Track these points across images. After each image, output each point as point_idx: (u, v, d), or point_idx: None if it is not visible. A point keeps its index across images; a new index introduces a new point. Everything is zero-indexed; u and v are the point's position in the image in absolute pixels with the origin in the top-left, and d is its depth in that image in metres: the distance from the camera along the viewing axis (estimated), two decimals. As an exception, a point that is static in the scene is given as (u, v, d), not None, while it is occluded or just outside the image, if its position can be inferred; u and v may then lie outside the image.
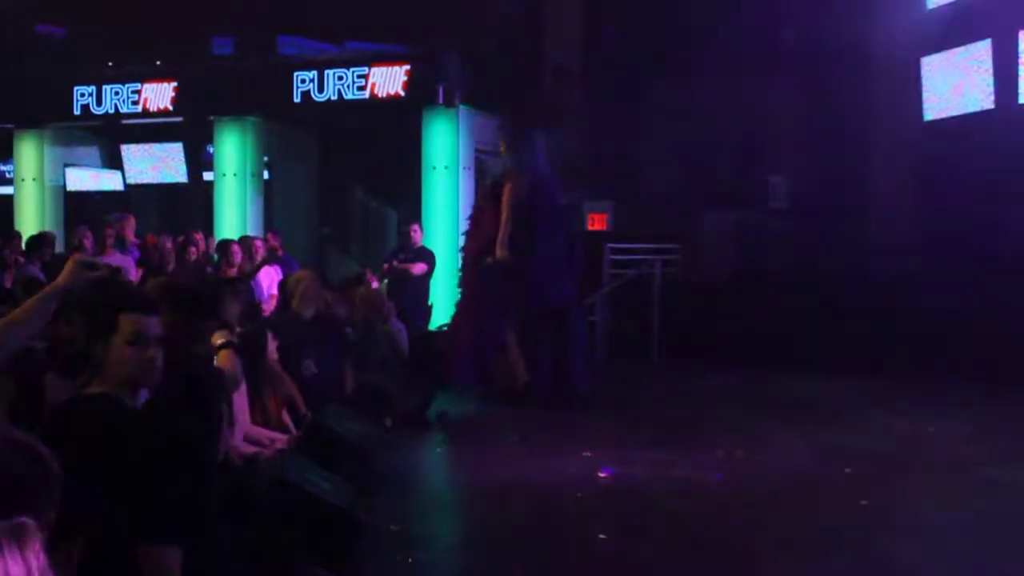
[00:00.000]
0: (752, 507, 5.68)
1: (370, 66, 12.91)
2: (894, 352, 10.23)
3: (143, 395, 3.21)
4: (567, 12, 15.19)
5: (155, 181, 15.88)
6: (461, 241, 10.01)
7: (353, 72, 12.96)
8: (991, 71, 11.95)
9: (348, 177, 15.86)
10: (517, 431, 7.63)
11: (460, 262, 9.75)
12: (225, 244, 10.66)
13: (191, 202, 15.88)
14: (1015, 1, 11.67)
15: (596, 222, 13.48)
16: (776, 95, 14.34)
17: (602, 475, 6.31)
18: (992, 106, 11.94)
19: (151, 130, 15.14)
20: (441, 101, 12.52)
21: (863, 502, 5.66)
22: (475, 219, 9.54)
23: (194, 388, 3.55)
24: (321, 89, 13.07)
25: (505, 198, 8.93)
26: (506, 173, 9.16)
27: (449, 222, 12.49)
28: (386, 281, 11.25)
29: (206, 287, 6.34)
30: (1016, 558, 4.84)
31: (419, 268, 11.31)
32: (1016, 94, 11.64)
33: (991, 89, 11.95)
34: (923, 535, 5.20)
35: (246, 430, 5.67)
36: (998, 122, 11.87)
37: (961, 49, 12.36)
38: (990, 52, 11.96)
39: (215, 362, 4.57)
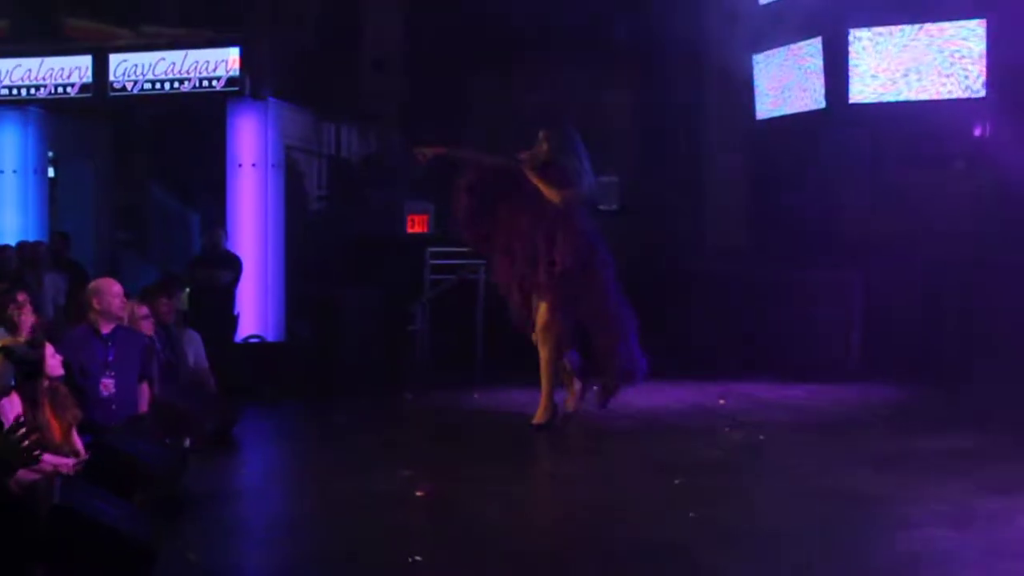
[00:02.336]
0: (574, 522, 5.83)
1: (169, 50, 12.58)
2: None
3: None
4: (387, 3, 15.21)
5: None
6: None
7: (154, 57, 12.61)
8: (822, 69, 12.53)
9: (145, 174, 15.46)
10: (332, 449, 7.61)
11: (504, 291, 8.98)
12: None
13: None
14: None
15: (417, 224, 13.50)
16: (606, 90, 14.67)
17: (419, 493, 6.34)
18: (823, 104, 12.52)
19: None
20: (249, 92, 12.33)
21: (691, 514, 5.84)
22: (486, 235, 8.94)
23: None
24: (115, 76, 12.68)
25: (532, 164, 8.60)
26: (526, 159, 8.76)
27: (257, 224, 12.31)
28: (188, 290, 11.03)
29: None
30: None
31: (225, 276, 11.15)
32: (847, 93, 12.25)
33: (822, 87, 12.53)
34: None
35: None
36: (829, 120, 12.47)
37: (793, 47, 12.91)
38: (820, 50, 12.54)
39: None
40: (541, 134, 8.54)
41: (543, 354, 8.42)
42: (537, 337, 8.45)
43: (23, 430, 3.99)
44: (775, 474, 6.91)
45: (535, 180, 8.48)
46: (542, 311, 8.41)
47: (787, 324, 11.40)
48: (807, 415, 9.07)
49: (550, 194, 8.42)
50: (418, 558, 5.02)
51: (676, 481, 6.61)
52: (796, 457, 7.40)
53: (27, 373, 5.41)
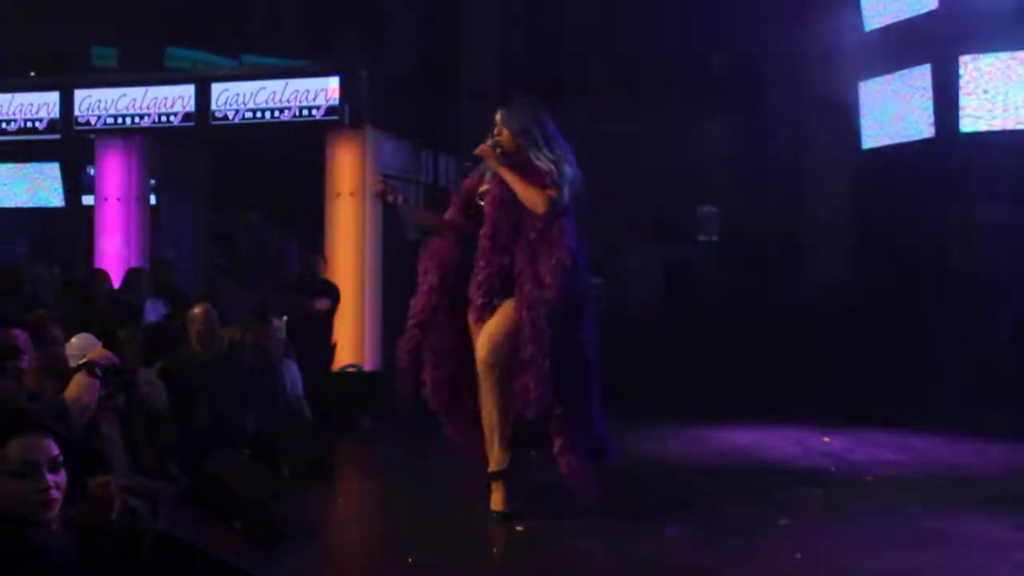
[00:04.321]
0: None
1: (270, 79, 12.82)
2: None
3: None
4: (484, 35, 15.35)
5: (27, 205, 15.60)
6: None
7: (255, 86, 12.85)
8: (931, 98, 12.32)
9: (243, 203, 15.75)
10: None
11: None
12: (95, 273, 10.50)
13: (68, 229, 15.63)
14: (955, 25, 12.04)
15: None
16: (706, 121, 14.61)
17: (519, 528, 6.32)
18: (932, 134, 12.29)
19: (23, 148, 14.88)
20: (348, 122, 12.49)
21: (797, 555, 5.74)
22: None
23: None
24: (216, 105, 12.96)
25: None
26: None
27: (354, 253, 12.44)
28: (285, 318, 11.17)
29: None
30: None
31: (323, 304, 11.25)
32: (957, 122, 12.01)
33: (931, 116, 12.30)
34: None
35: (127, 479, 5.58)
36: (939, 151, 12.24)
37: (900, 74, 12.72)
38: (929, 77, 12.33)
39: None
40: (497, 115, 6.49)
41: (493, 385, 6.30)
42: (483, 369, 6.33)
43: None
44: (886, 515, 6.75)
45: (507, 177, 6.29)
46: (493, 333, 6.30)
47: (895, 362, 11.15)
48: (917, 455, 8.87)
49: (528, 197, 6.19)
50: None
51: (782, 522, 6.51)
52: (908, 498, 7.23)
53: (116, 390, 5.37)
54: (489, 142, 6.42)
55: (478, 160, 6.56)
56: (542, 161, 6.28)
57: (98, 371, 5.06)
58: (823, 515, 6.78)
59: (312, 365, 10.03)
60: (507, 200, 6.31)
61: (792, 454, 8.95)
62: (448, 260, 6.68)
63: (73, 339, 6.21)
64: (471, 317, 6.52)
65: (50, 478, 3.00)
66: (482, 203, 6.48)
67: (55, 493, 3.01)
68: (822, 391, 10.81)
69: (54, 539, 3.02)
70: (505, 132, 6.43)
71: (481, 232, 6.42)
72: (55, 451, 3.05)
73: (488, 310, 6.39)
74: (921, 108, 12.43)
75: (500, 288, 6.35)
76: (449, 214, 6.76)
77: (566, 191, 6.25)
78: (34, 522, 2.99)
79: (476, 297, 6.45)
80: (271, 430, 7.45)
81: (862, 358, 11.29)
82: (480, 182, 6.61)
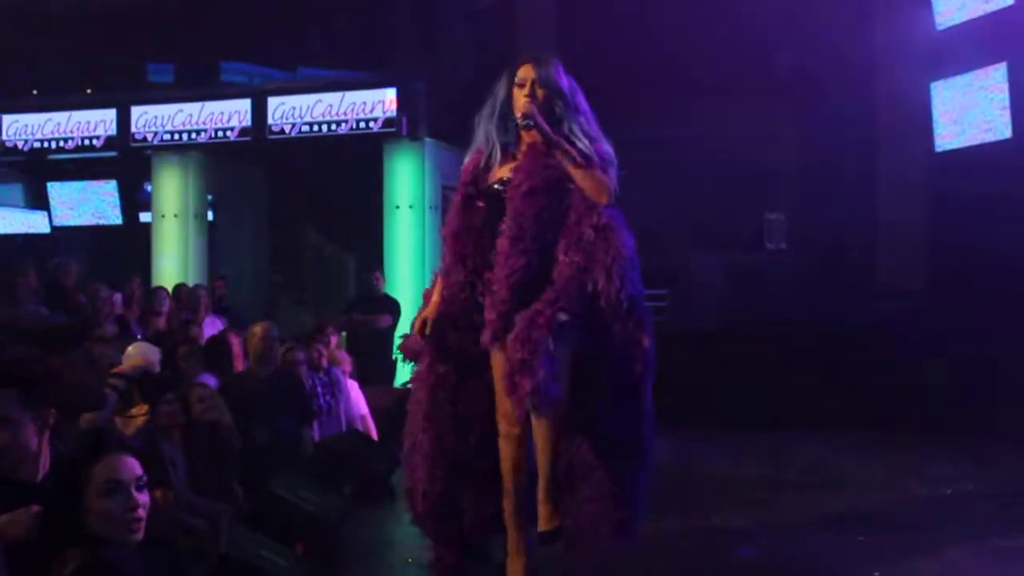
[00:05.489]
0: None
1: (326, 92, 12.92)
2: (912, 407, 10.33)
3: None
4: (541, 40, 15.34)
5: (86, 223, 15.85)
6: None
7: (311, 99, 12.96)
8: (1007, 97, 12.12)
9: (300, 218, 15.87)
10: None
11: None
12: (153, 291, 10.62)
13: (126, 246, 15.85)
14: (1032, 21, 11.86)
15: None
16: (771, 124, 14.48)
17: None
18: (1010, 135, 12.09)
19: (81, 166, 15.13)
20: (405, 133, 12.56)
21: (876, 574, 5.66)
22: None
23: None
24: (273, 119, 13.08)
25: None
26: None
27: (415, 267, 12.50)
28: (344, 335, 11.23)
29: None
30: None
31: (384, 320, 11.28)
32: (1035, 121, 11.80)
33: (1008, 116, 12.10)
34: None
35: (186, 498, 5.63)
36: (1017, 152, 12.02)
37: (974, 73, 12.53)
38: (1006, 76, 12.13)
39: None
40: (526, 70, 4.99)
41: (547, 434, 4.72)
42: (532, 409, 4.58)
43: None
44: (963, 532, 6.64)
45: (562, 158, 4.87)
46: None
47: (969, 376, 10.91)
48: (992, 471, 8.72)
49: (592, 183, 4.86)
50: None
51: (860, 538, 6.42)
52: (984, 515, 7.10)
53: (157, 400, 5.41)
54: (526, 110, 4.88)
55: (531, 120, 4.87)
56: (579, 137, 4.91)
57: (119, 384, 5.13)
58: (902, 532, 6.68)
59: (375, 381, 10.09)
60: (540, 189, 4.87)
61: (868, 468, 8.83)
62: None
63: (130, 348, 6.25)
64: (485, 338, 4.89)
65: (137, 497, 3.02)
66: (502, 192, 4.93)
67: (142, 512, 3.02)
68: (894, 403, 10.65)
69: (129, 559, 3.04)
70: (540, 93, 4.93)
71: (502, 231, 4.87)
72: (139, 470, 3.07)
73: (509, 326, 4.72)
74: (998, 107, 12.23)
75: (525, 299, 4.76)
76: (453, 221, 5.11)
77: (614, 175, 4.97)
78: (119, 542, 2.99)
79: (496, 312, 4.83)
80: (333, 448, 7.49)
81: (935, 371, 11.10)
82: (486, 169, 5.04)
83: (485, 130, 5.05)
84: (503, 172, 4.97)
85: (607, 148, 5.00)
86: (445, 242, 5.13)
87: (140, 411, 5.26)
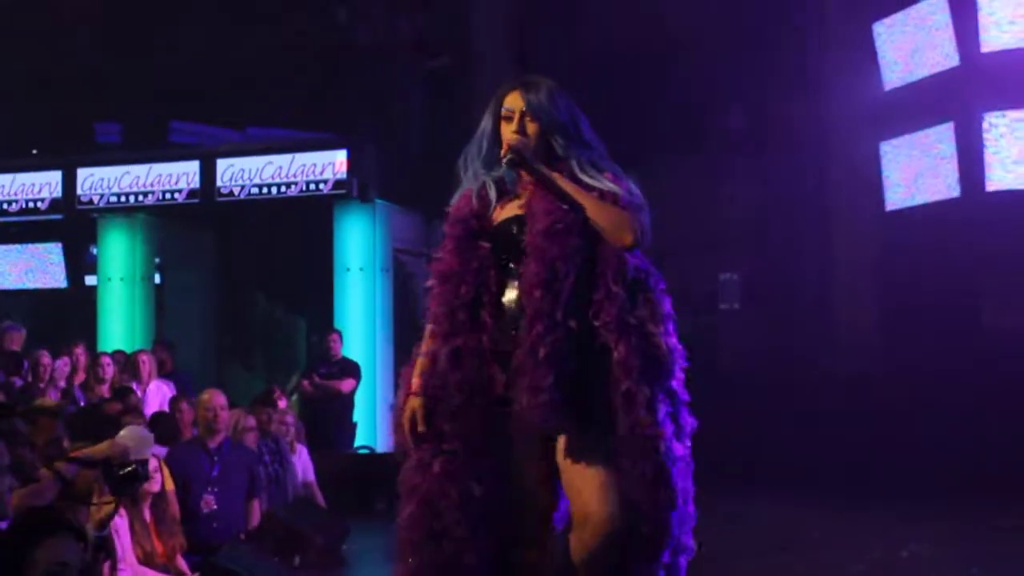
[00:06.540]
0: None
1: (276, 154, 12.89)
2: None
3: None
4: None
5: (30, 286, 15.69)
6: None
7: (261, 161, 12.93)
8: (955, 156, 12.34)
9: (250, 281, 15.80)
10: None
11: None
12: (96, 357, 10.49)
13: (71, 310, 15.70)
14: (977, 82, 12.09)
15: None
16: (722, 183, 14.62)
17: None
18: (958, 193, 12.29)
19: (26, 228, 15.00)
20: (356, 195, 12.56)
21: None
22: None
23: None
24: (222, 181, 13.05)
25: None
26: None
27: (366, 330, 12.47)
28: (294, 398, 11.17)
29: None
30: None
31: (348, 384, 11.21)
32: (983, 180, 12.01)
33: (956, 175, 12.31)
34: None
35: (136, 572, 5.58)
36: (965, 211, 12.22)
37: (922, 133, 12.75)
38: (953, 136, 12.36)
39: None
40: (513, 98, 4.06)
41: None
42: (602, 529, 3.77)
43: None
44: None
45: (568, 189, 3.93)
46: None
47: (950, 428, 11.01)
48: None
49: (611, 222, 3.90)
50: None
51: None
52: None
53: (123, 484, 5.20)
54: (511, 143, 3.97)
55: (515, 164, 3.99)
56: (589, 172, 3.99)
57: (66, 470, 4.82)
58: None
59: (334, 446, 10.07)
60: (562, 230, 3.85)
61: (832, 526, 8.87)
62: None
63: (124, 431, 5.67)
64: (539, 418, 3.79)
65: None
66: (517, 235, 3.95)
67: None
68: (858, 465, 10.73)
69: None
70: (532, 127, 4.01)
71: (523, 278, 3.87)
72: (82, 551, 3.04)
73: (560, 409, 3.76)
74: (947, 166, 12.43)
75: (572, 369, 3.80)
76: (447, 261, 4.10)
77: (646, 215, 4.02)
78: None
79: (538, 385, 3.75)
80: (281, 518, 7.42)
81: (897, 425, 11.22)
82: (483, 206, 4.10)
83: (473, 170, 4.15)
84: (508, 212, 4.04)
85: (633, 187, 4.06)
86: (434, 287, 4.09)
87: (105, 500, 4.74)
